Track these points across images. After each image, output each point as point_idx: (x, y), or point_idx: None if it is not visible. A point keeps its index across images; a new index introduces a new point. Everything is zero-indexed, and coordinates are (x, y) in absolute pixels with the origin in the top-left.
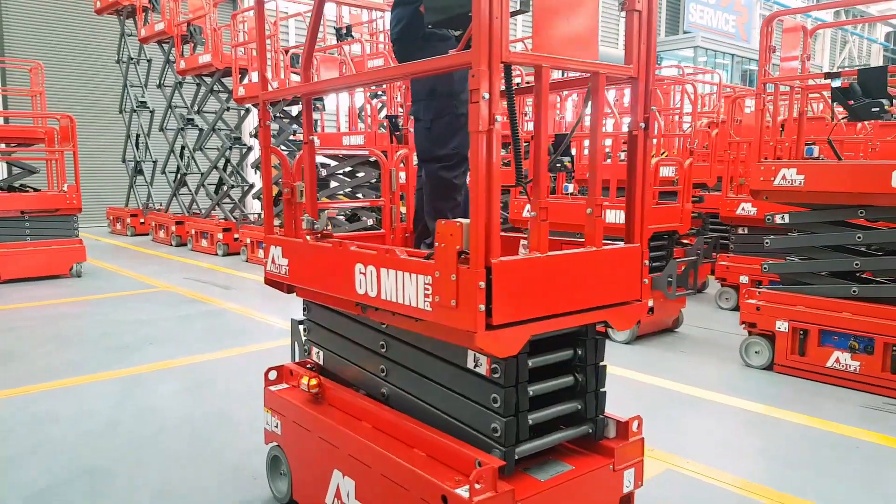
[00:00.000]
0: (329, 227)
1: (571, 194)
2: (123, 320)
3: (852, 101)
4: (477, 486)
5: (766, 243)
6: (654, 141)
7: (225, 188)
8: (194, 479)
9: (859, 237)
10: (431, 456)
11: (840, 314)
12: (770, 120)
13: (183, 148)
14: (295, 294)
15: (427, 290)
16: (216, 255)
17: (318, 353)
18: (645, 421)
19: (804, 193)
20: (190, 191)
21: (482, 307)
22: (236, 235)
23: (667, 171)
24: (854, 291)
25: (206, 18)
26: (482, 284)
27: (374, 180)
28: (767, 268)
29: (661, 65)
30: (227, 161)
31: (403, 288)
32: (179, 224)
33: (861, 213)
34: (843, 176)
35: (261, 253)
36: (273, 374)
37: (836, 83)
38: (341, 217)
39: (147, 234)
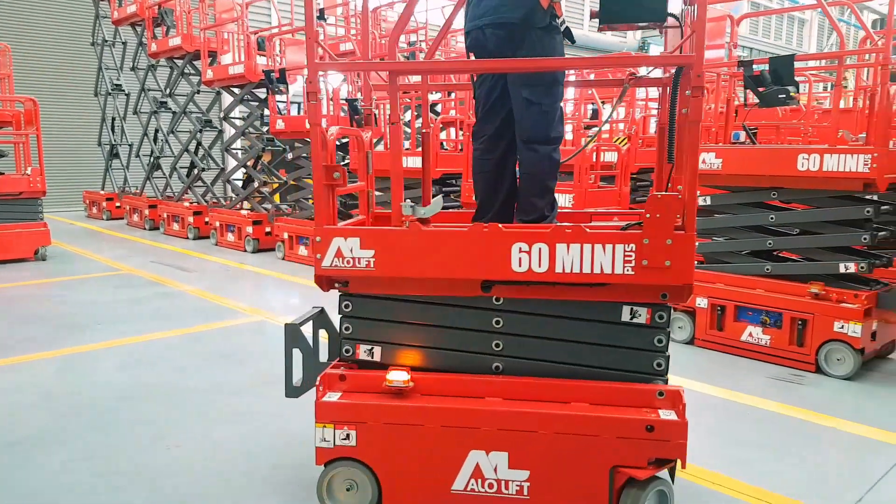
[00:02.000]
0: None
1: None
2: (78, 301)
3: (763, 88)
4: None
5: None
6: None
7: (196, 171)
8: (118, 444)
9: (772, 217)
10: (596, 403)
11: (754, 291)
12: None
13: (157, 131)
14: (346, 290)
15: (629, 256)
16: (187, 238)
17: (370, 349)
18: None
19: (723, 176)
20: (164, 174)
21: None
22: (206, 219)
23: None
24: (767, 269)
25: (177, 1)
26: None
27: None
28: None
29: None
30: (199, 144)
31: (592, 258)
32: (153, 208)
33: (774, 194)
34: (755, 160)
35: (230, 237)
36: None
37: (749, 72)
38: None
39: (122, 218)
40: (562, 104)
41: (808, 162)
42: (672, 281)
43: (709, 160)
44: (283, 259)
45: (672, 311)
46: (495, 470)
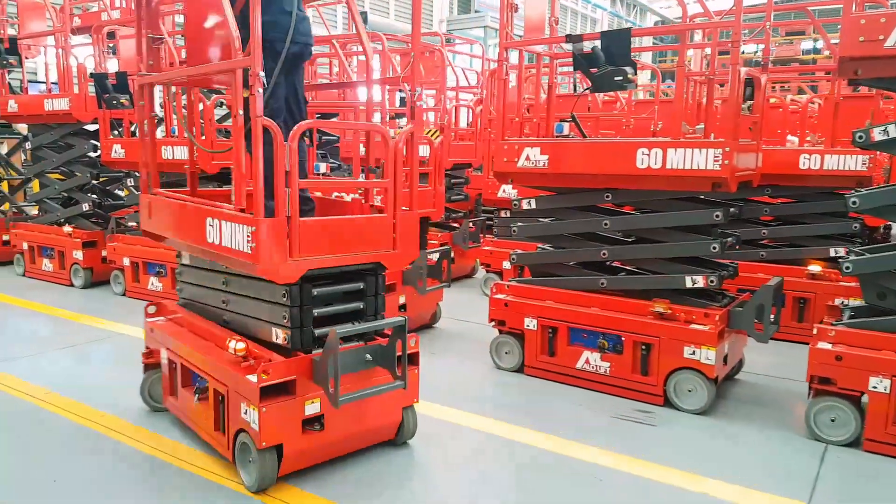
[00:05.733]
0: None
1: (323, 174)
2: None
3: (595, 70)
4: None
5: (514, 231)
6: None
7: None
8: None
9: (606, 223)
10: None
11: (589, 310)
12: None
13: None
14: None
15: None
16: None
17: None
18: None
19: (549, 176)
20: None
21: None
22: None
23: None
24: (602, 284)
25: None
26: None
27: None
28: (515, 258)
29: (453, 44)
30: None
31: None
32: None
33: (608, 196)
34: (586, 156)
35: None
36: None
37: (579, 48)
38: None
39: None
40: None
41: (650, 158)
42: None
43: (533, 156)
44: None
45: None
46: None
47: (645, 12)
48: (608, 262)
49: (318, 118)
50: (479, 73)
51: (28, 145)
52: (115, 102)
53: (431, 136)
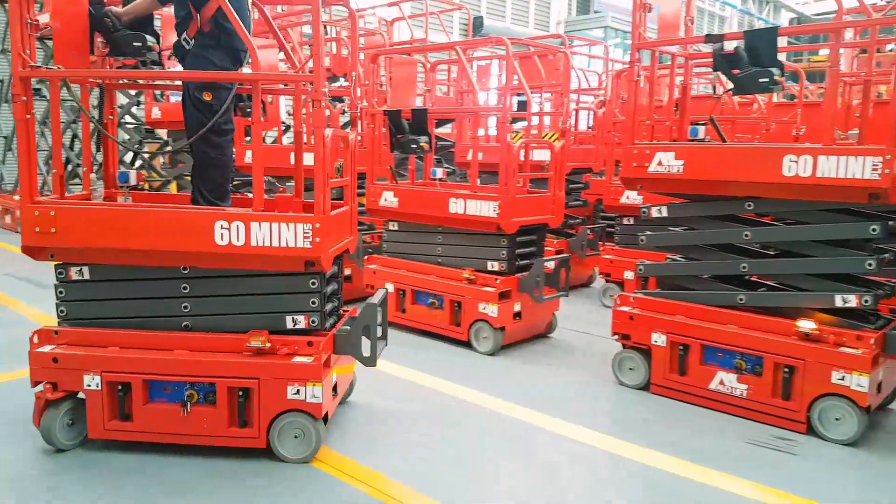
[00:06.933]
0: None
1: (440, 179)
2: None
3: (738, 71)
4: None
5: (642, 240)
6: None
7: (70, 167)
8: None
9: (747, 235)
10: None
11: (725, 327)
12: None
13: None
14: None
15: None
16: None
17: None
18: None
19: (684, 182)
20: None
21: None
22: None
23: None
24: (741, 300)
25: None
26: None
27: None
28: (643, 269)
29: (572, 45)
30: (75, 136)
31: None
32: None
33: (749, 205)
34: (726, 162)
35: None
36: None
37: (719, 48)
38: None
39: None
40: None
41: (798, 166)
42: None
43: (666, 162)
44: None
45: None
46: None
47: (779, 9)
48: (747, 277)
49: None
50: (600, 74)
51: (168, 149)
52: (248, 110)
53: (552, 139)
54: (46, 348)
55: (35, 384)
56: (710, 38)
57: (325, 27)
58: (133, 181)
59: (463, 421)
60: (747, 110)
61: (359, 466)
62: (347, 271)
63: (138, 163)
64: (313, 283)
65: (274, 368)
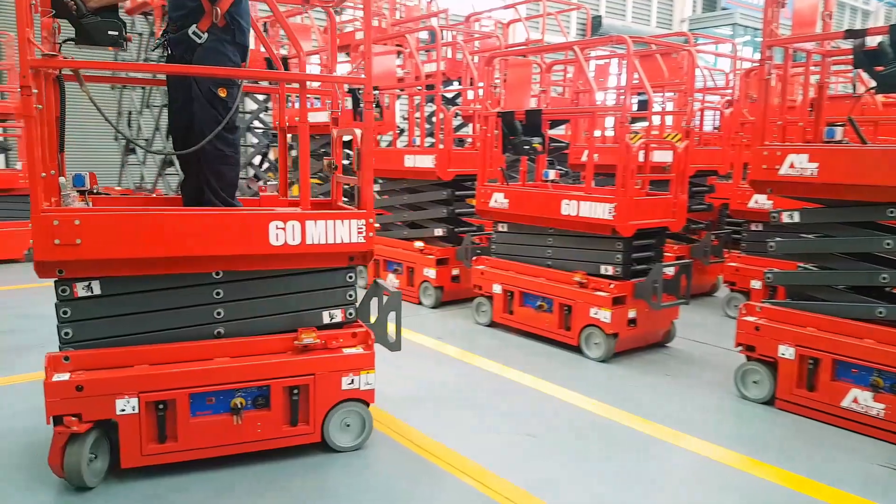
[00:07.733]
0: None
1: (552, 181)
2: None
3: (881, 68)
4: None
5: (771, 246)
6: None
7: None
8: None
9: (888, 244)
10: None
11: (861, 341)
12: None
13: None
14: None
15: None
16: None
17: None
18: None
19: (818, 186)
20: (177, 171)
21: None
22: None
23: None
24: (880, 313)
25: None
26: None
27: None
28: (772, 277)
29: (697, 43)
30: None
31: None
32: None
33: (891, 212)
34: (867, 164)
35: None
36: None
37: (861, 44)
38: None
39: None
40: None
41: None
42: None
43: (799, 164)
44: None
45: None
46: None
47: None
48: (887, 289)
49: (549, 126)
50: (728, 73)
51: (293, 153)
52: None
53: (674, 140)
54: (64, 376)
55: (53, 419)
56: (850, 34)
57: (441, 32)
58: (87, 185)
59: (583, 430)
60: (892, 111)
61: (488, 474)
62: (455, 271)
63: (265, 165)
64: (350, 278)
65: (330, 362)
